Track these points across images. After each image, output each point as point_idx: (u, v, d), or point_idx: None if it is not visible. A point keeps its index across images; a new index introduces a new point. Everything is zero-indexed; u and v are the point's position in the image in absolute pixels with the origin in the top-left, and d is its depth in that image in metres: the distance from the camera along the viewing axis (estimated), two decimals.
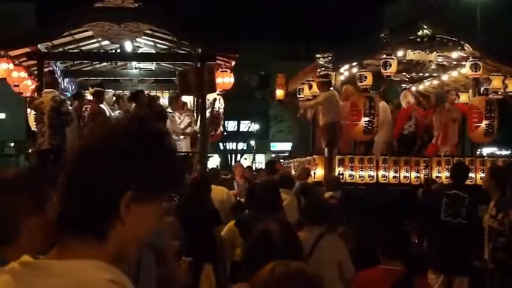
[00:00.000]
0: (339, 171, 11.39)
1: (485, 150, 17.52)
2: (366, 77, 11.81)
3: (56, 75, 12.00)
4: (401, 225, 4.92)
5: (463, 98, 13.84)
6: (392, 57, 11.85)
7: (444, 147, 12.62)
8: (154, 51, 13.52)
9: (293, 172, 13.24)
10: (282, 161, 16.96)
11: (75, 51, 12.79)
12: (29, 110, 11.62)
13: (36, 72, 12.35)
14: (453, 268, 7.60)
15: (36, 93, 11.66)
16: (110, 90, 13.32)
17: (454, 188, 7.91)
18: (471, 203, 7.75)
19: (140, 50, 13.45)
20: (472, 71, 12.30)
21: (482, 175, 11.66)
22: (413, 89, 15.00)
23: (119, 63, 14.45)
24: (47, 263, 1.36)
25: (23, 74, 12.37)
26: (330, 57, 11.75)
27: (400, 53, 12.10)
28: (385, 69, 11.81)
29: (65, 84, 13.26)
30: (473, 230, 7.62)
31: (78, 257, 1.34)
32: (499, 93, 12.78)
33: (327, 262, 5.25)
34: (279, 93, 14.21)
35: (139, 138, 1.41)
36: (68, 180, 1.40)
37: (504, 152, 23.30)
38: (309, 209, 5.88)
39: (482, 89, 13.12)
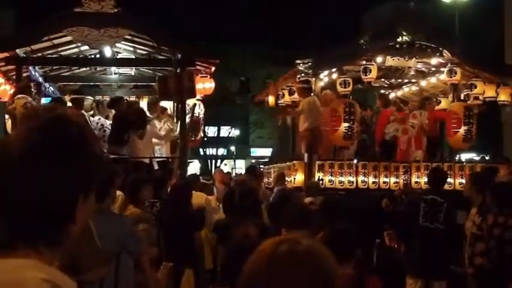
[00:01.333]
0: (319, 176, 11.40)
1: (464, 156, 17.63)
2: (349, 83, 11.84)
3: (31, 81, 11.87)
4: (348, 227, 4.89)
5: (443, 104, 13.95)
6: (372, 63, 11.91)
7: (416, 152, 12.70)
8: (133, 57, 13.47)
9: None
10: (261, 166, 16.96)
11: (54, 56, 12.70)
12: (7, 116, 11.49)
13: (14, 77, 12.23)
14: (431, 272, 7.65)
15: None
16: (89, 97, 13.23)
17: (432, 193, 7.96)
18: (449, 208, 7.80)
19: (120, 55, 13.39)
20: (450, 76, 12.41)
21: (461, 180, 11.77)
22: (393, 95, 15.11)
23: (98, 69, 14.36)
24: None
25: (1, 79, 12.26)
26: (310, 63, 11.78)
27: (379, 59, 12.17)
28: (366, 75, 11.86)
29: (46, 89, 13.14)
30: (451, 234, 7.68)
31: (19, 257, 1.34)
32: (480, 98, 12.88)
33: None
34: (271, 100, 14.18)
35: (74, 136, 1.43)
36: (11, 185, 1.37)
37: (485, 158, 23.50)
38: (289, 214, 5.84)
39: (462, 95, 13.23)
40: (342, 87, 11.80)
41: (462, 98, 13.21)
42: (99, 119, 11.92)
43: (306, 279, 1.48)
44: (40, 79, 12.68)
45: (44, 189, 1.36)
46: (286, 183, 11.18)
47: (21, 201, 1.36)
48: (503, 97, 12.82)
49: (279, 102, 14.48)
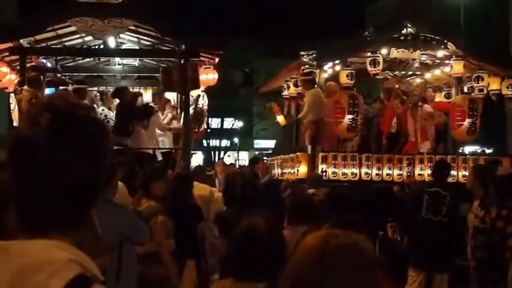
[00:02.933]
0: (322, 168, 11.40)
1: (468, 149, 17.61)
2: (354, 75, 11.84)
3: (42, 70, 11.88)
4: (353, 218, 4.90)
5: (439, 96, 13.97)
6: (378, 55, 11.89)
7: (423, 144, 12.69)
8: (137, 48, 13.46)
9: (276, 169, 13.31)
10: (265, 158, 16.96)
11: (58, 46, 12.69)
12: (12, 106, 11.49)
13: (18, 67, 12.24)
14: (434, 265, 7.66)
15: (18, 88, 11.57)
16: (93, 88, 13.24)
17: (435, 185, 7.97)
18: (452, 200, 7.81)
19: (124, 46, 13.37)
20: (455, 69, 12.39)
21: (465, 173, 11.77)
22: (396, 86, 15.06)
23: (102, 59, 14.36)
24: (8, 243, 1.38)
25: (5, 69, 12.26)
26: (314, 55, 11.76)
27: (384, 51, 12.13)
28: (374, 67, 11.82)
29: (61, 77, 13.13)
30: (454, 227, 7.69)
31: (45, 238, 1.37)
32: (481, 91, 12.86)
33: None
34: (281, 119, 14.24)
35: (92, 123, 1.45)
36: (36, 174, 1.39)
37: (486, 151, 23.46)
38: (293, 207, 5.82)
39: (466, 87, 13.20)
40: (349, 79, 11.78)
41: (466, 90, 13.18)
42: (103, 109, 11.92)
43: (360, 273, 1.48)
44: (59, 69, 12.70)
45: (72, 174, 1.39)
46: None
47: (50, 185, 1.38)
48: (508, 90, 12.80)
49: (283, 94, 14.48)
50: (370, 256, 1.52)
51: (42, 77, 11.46)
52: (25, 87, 10.61)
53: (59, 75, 12.80)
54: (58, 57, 13.18)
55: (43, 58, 12.48)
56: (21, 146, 1.40)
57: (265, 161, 14.60)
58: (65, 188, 1.38)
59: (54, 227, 1.38)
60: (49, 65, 12.56)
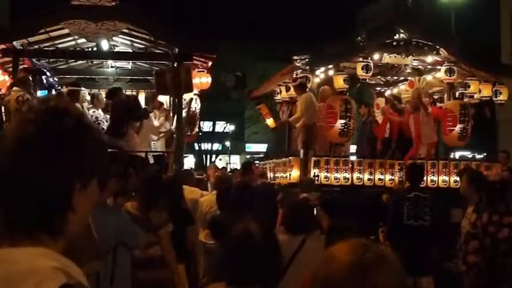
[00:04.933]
0: (314, 172, 11.42)
1: (458, 154, 17.69)
2: (349, 80, 11.89)
3: (32, 72, 11.83)
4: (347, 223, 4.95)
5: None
6: (369, 60, 11.93)
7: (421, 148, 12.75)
8: (131, 50, 13.46)
9: (268, 174, 13.29)
10: (257, 162, 16.97)
11: (50, 48, 12.68)
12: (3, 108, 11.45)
13: (11, 69, 12.22)
14: (417, 270, 7.71)
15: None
16: (83, 88, 13.21)
17: (413, 190, 8.03)
18: (433, 202, 7.87)
19: (117, 49, 13.38)
20: (447, 75, 12.45)
21: (456, 178, 11.82)
22: (388, 92, 15.12)
23: (95, 62, 14.36)
24: None
25: None
26: (307, 59, 11.80)
27: (376, 56, 12.19)
28: (366, 73, 11.85)
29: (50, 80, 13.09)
30: (436, 229, 7.75)
31: (28, 246, 1.36)
32: (475, 97, 12.94)
33: (311, 265, 5.20)
34: (270, 122, 14.28)
35: (70, 125, 1.42)
36: (6, 176, 1.39)
37: (477, 156, 23.57)
38: (290, 214, 5.72)
39: (457, 93, 13.27)
40: (345, 83, 11.82)
41: (457, 96, 13.25)
42: (94, 111, 11.89)
43: (396, 285, 1.47)
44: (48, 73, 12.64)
45: (37, 177, 1.37)
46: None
47: (17, 190, 1.38)
48: (500, 96, 12.89)
49: (275, 98, 14.51)
50: (399, 266, 1.53)
51: (31, 79, 11.39)
52: (14, 88, 10.56)
53: (50, 78, 12.76)
54: (51, 60, 13.17)
55: (36, 60, 12.45)
56: (3, 150, 1.40)
57: (257, 165, 14.60)
58: (30, 192, 1.37)
59: (27, 233, 1.38)
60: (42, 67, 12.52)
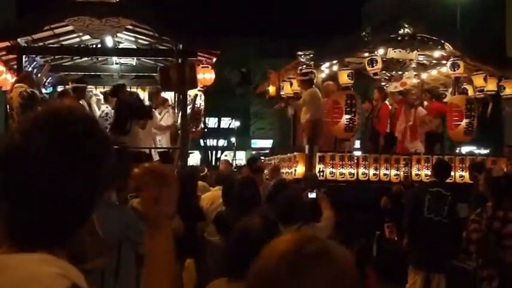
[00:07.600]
0: (320, 168, 11.41)
1: (464, 149, 17.62)
2: (354, 75, 11.86)
3: (33, 70, 11.86)
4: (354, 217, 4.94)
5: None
6: (376, 54, 11.90)
7: (413, 144, 12.73)
8: (135, 47, 13.45)
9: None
10: (262, 158, 16.95)
11: (55, 45, 12.68)
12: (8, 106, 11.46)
13: (15, 66, 12.22)
14: (432, 265, 7.68)
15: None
16: (91, 86, 13.23)
17: (437, 185, 7.98)
18: (452, 201, 7.83)
19: (121, 45, 13.37)
20: (452, 70, 12.41)
21: (461, 173, 11.80)
22: (391, 87, 15.05)
23: (99, 59, 14.37)
24: None
25: (1, 68, 12.24)
26: (311, 55, 11.76)
27: (381, 51, 12.15)
28: (372, 67, 11.83)
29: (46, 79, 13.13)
30: (453, 228, 7.70)
31: (31, 251, 1.33)
32: (480, 91, 12.88)
33: None
34: (272, 89, 14.15)
35: (91, 137, 1.40)
36: (25, 187, 1.35)
37: (483, 151, 23.49)
38: (282, 206, 5.74)
39: (463, 87, 13.22)
40: (349, 78, 11.79)
41: (463, 90, 13.20)
42: (107, 107, 11.94)
43: (334, 282, 1.35)
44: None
45: (66, 187, 1.34)
46: (282, 175, 11.17)
47: (40, 197, 1.34)
48: (506, 91, 12.83)
49: (280, 93, 14.46)
50: (343, 265, 1.38)
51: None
52: (16, 84, 10.53)
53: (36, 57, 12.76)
54: (56, 56, 13.19)
55: (40, 57, 12.47)
56: (12, 156, 1.36)
57: (263, 161, 14.57)
58: (58, 201, 1.35)
59: (44, 241, 1.35)
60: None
